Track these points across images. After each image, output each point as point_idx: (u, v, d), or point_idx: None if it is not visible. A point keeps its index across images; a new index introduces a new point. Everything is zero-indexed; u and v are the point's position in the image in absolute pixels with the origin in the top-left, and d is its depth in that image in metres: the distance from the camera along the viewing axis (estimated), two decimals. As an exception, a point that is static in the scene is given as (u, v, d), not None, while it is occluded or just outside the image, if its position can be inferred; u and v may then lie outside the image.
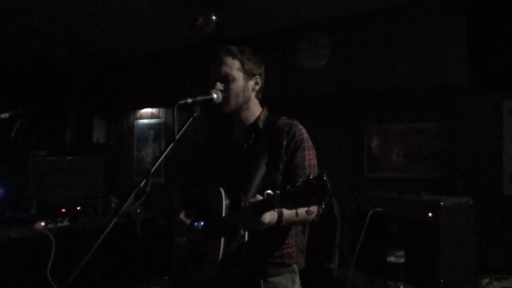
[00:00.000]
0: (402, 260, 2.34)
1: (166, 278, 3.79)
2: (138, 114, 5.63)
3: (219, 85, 1.80)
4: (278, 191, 1.44)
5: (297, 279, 1.88)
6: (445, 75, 3.51)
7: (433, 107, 3.59)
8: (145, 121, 5.55)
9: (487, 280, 2.34)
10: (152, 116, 5.51)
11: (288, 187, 1.40)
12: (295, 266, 1.87)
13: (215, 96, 1.74)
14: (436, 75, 3.55)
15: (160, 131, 5.39)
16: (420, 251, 2.36)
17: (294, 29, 4.28)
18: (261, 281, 1.79)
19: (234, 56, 1.82)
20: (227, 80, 1.81)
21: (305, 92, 4.20)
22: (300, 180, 1.39)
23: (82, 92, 6.09)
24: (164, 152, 1.51)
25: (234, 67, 1.81)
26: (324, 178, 1.32)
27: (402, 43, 3.72)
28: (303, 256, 1.93)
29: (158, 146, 5.40)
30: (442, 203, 2.35)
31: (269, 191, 1.48)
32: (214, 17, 3.50)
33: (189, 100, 1.62)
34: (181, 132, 1.57)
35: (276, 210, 1.57)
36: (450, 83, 3.47)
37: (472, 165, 3.38)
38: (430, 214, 2.35)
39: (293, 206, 1.40)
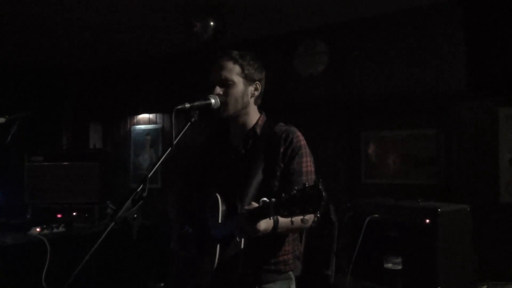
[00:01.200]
0: (399, 266, 2.33)
1: (162, 284, 3.77)
2: (135, 120, 5.62)
3: (218, 89, 1.78)
4: (273, 199, 1.42)
5: (293, 286, 1.87)
6: (442, 81, 3.52)
7: (430, 114, 3.60)
8: (142, 126, 5.54)
9: (485, 286, 2.34)
10: (149, 121, 5.50)
11: (283, 195, 1.38)
12: (291, 273, 1.86)
13: (213, 101, 1.73)
14: (433, 81, 3.57)
15: (157, 136, 5.38)
16: (418, 258, 2.36)
17: (292, 35, 4.29)
18: None
19: (235, 61, 1.81)
20: (227, 84, 1.80)
21: (302, 98, 4.21)
22: (295, 188, 1.37)
23: (79, 97, 6.08)
24: (161, 157, 1.50)
25: (234, 72, 1.80)
26: (320, 187, 1.31)
27: (399, 49, 3.74)
28: (300, 263, 1.92)
29: (155, 152, 5.38)
30: (439, 210, 2.34)
31: (265, 199, 1.46)
32: (212, 23, 3.51)
33: (187, 105, 1.61)
34: (178, 137, 1.56)
35: (271, 217, 1.54)
36: (446, 90, 3.48)
37: (468, 172, 3.39)
38: (427, 221, 2.35)
39: (288, 214, 1.38)
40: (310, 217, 1.44)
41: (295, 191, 1.36)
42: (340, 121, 4.03)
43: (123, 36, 4.54)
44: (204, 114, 1.71)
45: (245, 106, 1.86)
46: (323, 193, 1.30)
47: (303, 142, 1.83)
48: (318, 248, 2.84)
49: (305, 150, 1.82)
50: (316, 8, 3.73)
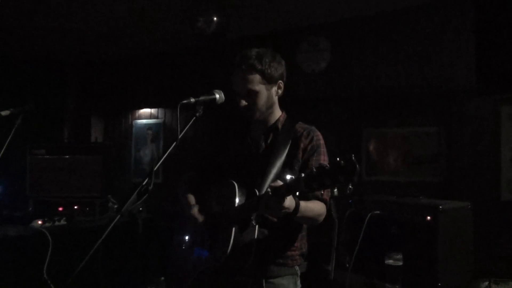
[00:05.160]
0: (400, 263, 2.34)
1: (162, 278, 3.78)
2: (136, 114, 5.62)
3: (244, 102, 1.83)
4: (302, 174, 1.43)
5: (299, 282, 1.90)
6: (444, 79, 3.52)
7: (432, 111, 3.60)
8: (143, 121, 5.55)
9: (486, 283, 2.35)
10: (151, 116, 5.50)
11: (314, 169, 1.39)
12: (297, 268, 1.89)
13: (217, 96, 1.75)
14: (435, 79, 3.57)
15: (159, 131, 5.39)
16: (419, 254, 2.37)
17: (295, 32, 4.29)
18: (263, 282, 1.80)
19: (254, 70, 1.82)
20: (250, 96, 1.83)
21: (304, 95, 4.21)
22: (326, 163, 1.39)
23: (81, 91, 6.08)
24: (167, 151, 1.51)
25: (255, 82, 1.83)
26: (353, 158, 1.32)
27: (402, 47, 3.74)
28: (305, 261, 1.94)
29: (156, 147, 5.39)
30: (441, 207, 2.35)
31: (291, 176, 1.48)
32: (215, 19, 3.51)
33: (192, 100, 1.64)
34: (184, 131, 1.58)
35: (294, 199, 1.59)
36: (449, 87, 3.49)
37: (470, 170, 3.39)
38: (428, 218, 2.36)
39: (318, 186, 1.39)
40: (319, 205, 1.50)
41: (327, 166, 1.37)
42: (342, 118, 4.03)
43: (126, 30, 4.54)
44: (208, 109, 1.72)
45: (271, 106, 1.91)
46: (357, 165, 1.31)
47: (322, 141, 1.90)
48: (319, 244, 2.85)
49: (323, 149, 1.89)
50: (319, 5, 3.73)
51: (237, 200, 1.76)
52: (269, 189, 1.54)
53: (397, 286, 2.33)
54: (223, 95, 1.77)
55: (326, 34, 4.12)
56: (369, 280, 2.56)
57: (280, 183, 1.53)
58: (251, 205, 1.69)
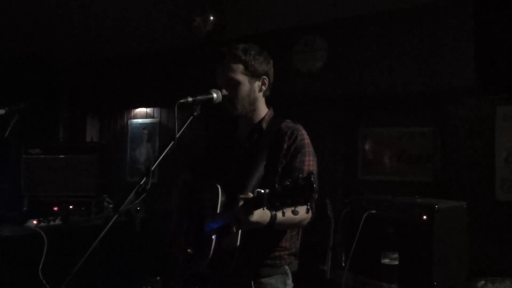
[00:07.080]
0: (396, 262, 2.35)
1: (158, 278, 3.77)
2: (132, 114, 5.61)
3: (224, 91, 1.79)
4: (267, 190, 1.42)
5: (289, 281, 1.87)
6: (440, 79, 3.54)
7: (427, 111, 3.62)
8: (139, 120, 5.53)
9: (482, 282, 2.36)
10: (146, 115, 5.49)
11: (277, 186, 1.38)
12: (286, 267, 1.86)
13: (215, 95, 1.74)
14: (431, 79, 3.59)
15: (154, 131, 5.37)
16: (415, 254, 2.38)
17: (291, 31, 4.29)
18: (252, 282, 1.78)
19: (238, 60, 1.81)
20: (232, 85, 1.81)
21: (300, 94, 4.21)
22: (289, 180, 1.37)
23: (76, 90, 6.05)
24: (164, 150, 1.51)
25: (238, 71, 1.81)
26: (311, 178, 1.31)
27: (398, 47, 3.75)
28: (296, 260, 1.92)
29: (152, 146, 5.38)
30: (436, 206, 2.37)
31: (260, 190, 1.46)
32: (212, 18, 3.50)
33: (190, 99, 1.62)
34: (181, 131, 1.57)
35: (269, 211, 1.56)
36: (444, 88, 3.50)
37: (465, 170, 3.41)
38: (424, 217, 2.37)
39: (280, 205, 1.38)
40: (301, 209, 1.42)
41: (288, 183, 1.36)
42: (337, 118, 4.04)
43: (122, 29, 4.52)
44: (205, 108, 1.71)
45: (254, 102, 1.87)
46: (314, 185, 1.30)
47: (307, 141, 1.84)
48: (315, 244, 2.85)
49: (309, 149, 1.83)
50: (316, 4, 3.74)
51: (219, 204, 1.74)
52: (239, 201, 1.52)
53: (393, 285, 2.34)
54: (220, 95, 1.76)
55: (322, 33, 4.13)
56: (365, 280, 2.56)
57: (250, 195, 1.51)
58: (227, 214, 1.67)
